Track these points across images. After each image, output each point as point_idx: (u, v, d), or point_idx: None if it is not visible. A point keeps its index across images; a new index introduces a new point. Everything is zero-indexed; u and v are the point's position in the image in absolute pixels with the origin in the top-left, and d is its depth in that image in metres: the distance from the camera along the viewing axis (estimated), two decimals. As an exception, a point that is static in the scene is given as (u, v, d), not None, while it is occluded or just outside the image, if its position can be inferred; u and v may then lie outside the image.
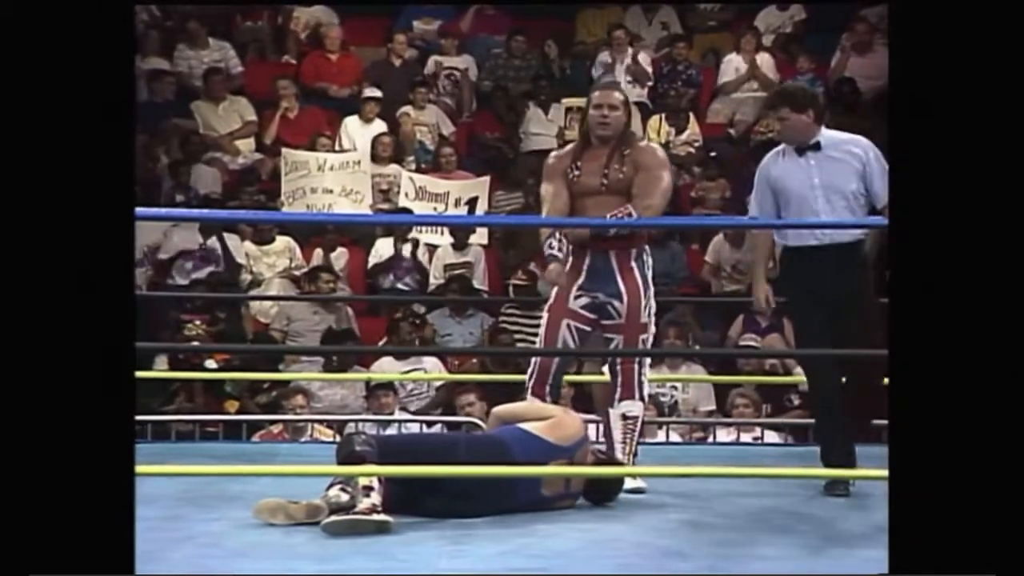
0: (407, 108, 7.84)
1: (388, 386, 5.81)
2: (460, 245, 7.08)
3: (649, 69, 8.08)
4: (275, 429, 5.55)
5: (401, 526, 3.27)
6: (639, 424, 3.72)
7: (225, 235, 6.88)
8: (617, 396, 3.72)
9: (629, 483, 3.66)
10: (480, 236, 7.13)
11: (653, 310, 3.75)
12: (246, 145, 7.78)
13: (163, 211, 6.63)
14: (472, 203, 7.27)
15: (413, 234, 7.10)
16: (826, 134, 3.88)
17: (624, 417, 3.70)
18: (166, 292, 6.54)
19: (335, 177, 7.18)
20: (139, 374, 5.17)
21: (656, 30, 8.56)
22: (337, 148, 7.52)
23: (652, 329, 3.77)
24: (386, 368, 6.10)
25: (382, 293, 6.79)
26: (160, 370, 5.92)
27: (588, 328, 3.78)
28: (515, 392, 5.63)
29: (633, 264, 3.73)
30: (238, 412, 5.80)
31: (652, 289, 3.75)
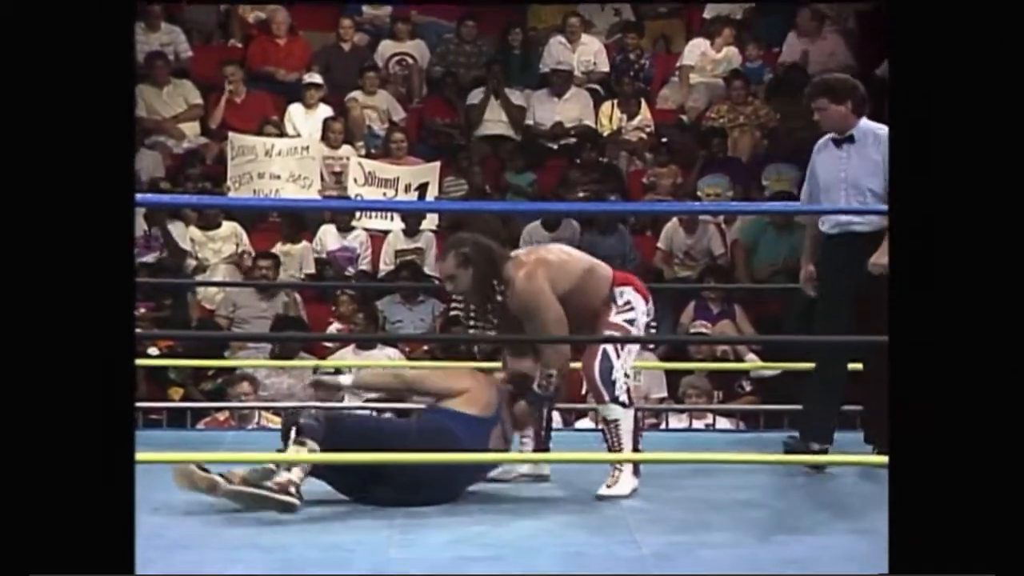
0: (356, 93, 7.72)
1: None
2: (411, 231, 6.98)
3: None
4: (221, 416, 5.42)
5: (350, 514, 3.22)
6: (621, 427, 3.53)
7: (168, 222, 6.72)
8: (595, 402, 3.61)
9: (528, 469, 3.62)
10: (431, 222, 7.04)
11: (640, 321, 3.58)
12: (191, 129, 7.62)
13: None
14: (422, 189, 7.16)
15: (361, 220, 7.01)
16: (863, 126, 3.89)
17: (605, 421, 3.56)
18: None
19: (283, 163, 7.05)
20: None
21: (608, 16, 8.50)
22: (283, 134, 7.39)
23: (630, 330, 3.57)
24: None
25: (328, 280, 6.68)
26: None
27: None
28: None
29: None
30: (182, 399, 5.67)
31: (639, 305, 3.59)
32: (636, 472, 3.56)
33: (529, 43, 8.26)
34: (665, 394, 6.25)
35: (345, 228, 6.99)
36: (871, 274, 3.77)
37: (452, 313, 6.46)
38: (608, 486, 3.51)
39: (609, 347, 3.50)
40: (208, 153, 7.44)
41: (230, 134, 7.17)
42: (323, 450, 3.20)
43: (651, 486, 3.55)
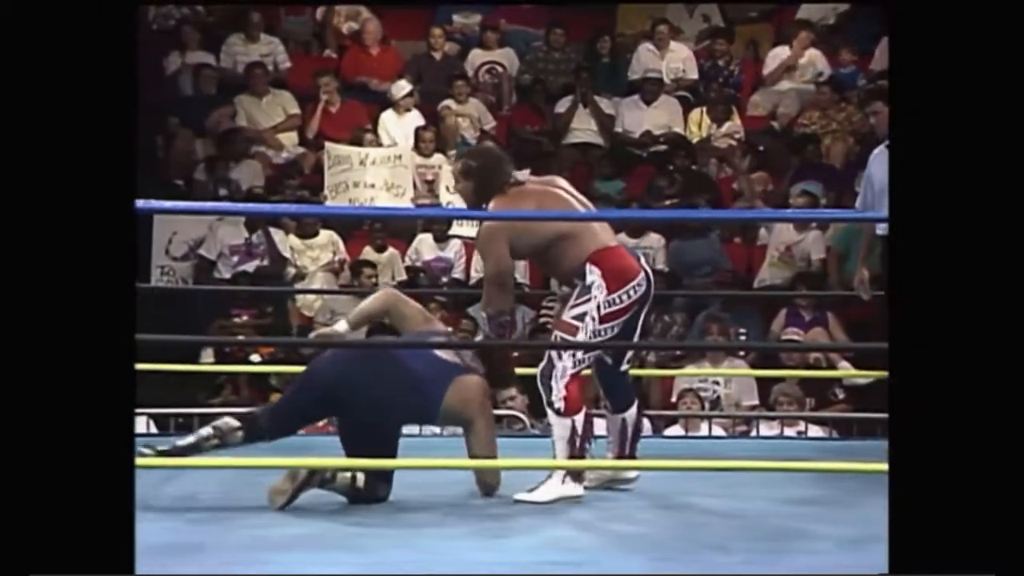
0: (448, 101, 7.84)
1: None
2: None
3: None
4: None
5: (437, 518, 3.29)
6: (554, 433, 3.43)
7: (270, 229, 6.92)
8: None
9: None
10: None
11: (593, 313, 3.44)
12: (289, 139, 7.81)
13: (208, 205, 6.73)
14: (513, 196, 7.25)
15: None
16: None
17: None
18: (211, 286, 6.59)
19: (376, 171, 7.20)
20: (186, 368, 5.28)
21: (697, 22, 8.51)
22: (378, 143, 7.55)
23: (590, 327, 3.45)
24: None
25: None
26: (206, 363, 5.97)
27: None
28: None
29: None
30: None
31: (598, 294, 3.45)
32: (578, 479, 3.44)
33: (617, 50, 8.30)
34: (756, 401, 6.26)
35: (442, 238, 7.09)
36: None
37: (541, 320, 6.54)
38: (529, 491, 3.42)
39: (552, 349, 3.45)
40: (306, 163, 7.62)
41: (326, 144, 7.34)
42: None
43: (738, 495, 3.53)
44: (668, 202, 7.09)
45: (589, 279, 3.45)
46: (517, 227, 3.48)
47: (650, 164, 7.71)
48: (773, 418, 5.82)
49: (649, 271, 3.58)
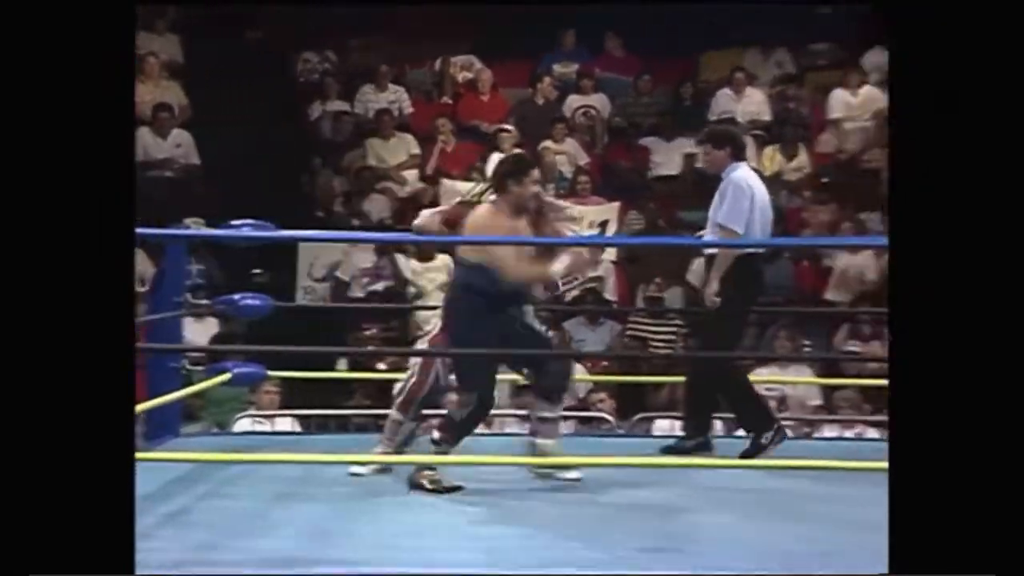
0: (548, 142, 8.26)
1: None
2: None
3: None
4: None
5: (537, 507, 3.43)
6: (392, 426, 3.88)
7: (396, 255, 7.39)
8: None
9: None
10: (610, 254, 7.49)
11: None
12: (411, 176, 8.31)
13: (344, 234, 7.25)
14: (604, 225, 7.63)
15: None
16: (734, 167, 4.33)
17: None
18: (346, 304, 7.07)
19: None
20: (323, 374, 5.71)
21: (772, 68, 8.78)
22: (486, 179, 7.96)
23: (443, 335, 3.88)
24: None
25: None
26: (341, 371, 6.28)
27: None
28: (641, 393, 6.03)
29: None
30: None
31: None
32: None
33: (699, 95, 8.65)
34: (821, 402, 6.46)
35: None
36: None
37: (628, 332, 6.90)
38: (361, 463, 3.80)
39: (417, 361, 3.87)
40: (425, 196, 8.10)
41: (443, 180, 7.81)
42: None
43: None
44: (742, 230, 7.36)
45: None
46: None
47: (728, 196, 7.99)
48: (833, 421, 5.99)
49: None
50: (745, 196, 4.28)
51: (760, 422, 4.26)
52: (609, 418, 5.93)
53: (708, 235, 4.41)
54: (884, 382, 6.14)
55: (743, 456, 4.15)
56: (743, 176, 4.34)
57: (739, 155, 4.37)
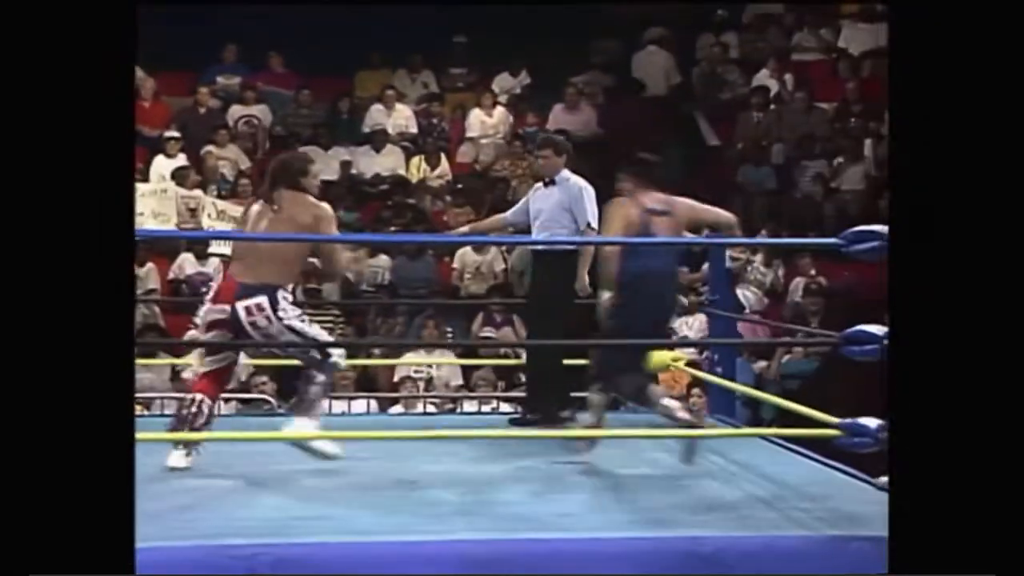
0: (210, 147, 8.47)
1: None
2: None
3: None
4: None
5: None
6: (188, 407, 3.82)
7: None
8: None
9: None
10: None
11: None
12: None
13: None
14: (263, 226, 7.92)
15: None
16: (565, 173, 4.70)
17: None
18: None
19: (144, 202, 7.70)
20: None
21: (418, 88, 9.55)
22: (146, 180, 8.06)
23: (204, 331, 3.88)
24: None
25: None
26: None
27: None
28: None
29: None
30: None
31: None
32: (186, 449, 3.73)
33: (354, 109, 9.30)
34: (462, 382, 6.96)
35: (202, 256, 7.70)
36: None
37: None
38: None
39: None
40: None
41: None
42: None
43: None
44: (392, 229, 7.97)
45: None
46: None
47: (378, 199, 8.60)
48: (473, 398, 6.42)
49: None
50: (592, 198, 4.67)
51: (565, 399, 4.61)
52: (270, 399, 6.16)
53: (561, 233, 4.59)
54: (515, 363, 7.00)
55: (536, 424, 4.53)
56: (581, 181, 4.68)
57: (570, 163, 4.71)
